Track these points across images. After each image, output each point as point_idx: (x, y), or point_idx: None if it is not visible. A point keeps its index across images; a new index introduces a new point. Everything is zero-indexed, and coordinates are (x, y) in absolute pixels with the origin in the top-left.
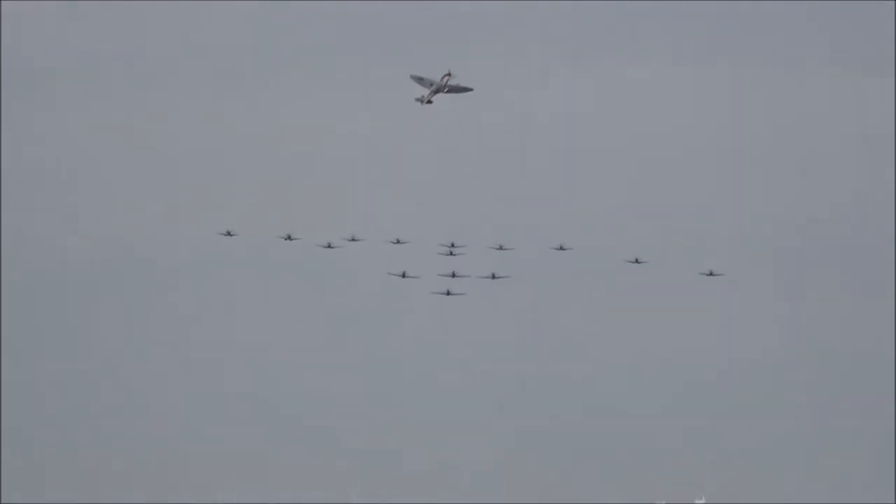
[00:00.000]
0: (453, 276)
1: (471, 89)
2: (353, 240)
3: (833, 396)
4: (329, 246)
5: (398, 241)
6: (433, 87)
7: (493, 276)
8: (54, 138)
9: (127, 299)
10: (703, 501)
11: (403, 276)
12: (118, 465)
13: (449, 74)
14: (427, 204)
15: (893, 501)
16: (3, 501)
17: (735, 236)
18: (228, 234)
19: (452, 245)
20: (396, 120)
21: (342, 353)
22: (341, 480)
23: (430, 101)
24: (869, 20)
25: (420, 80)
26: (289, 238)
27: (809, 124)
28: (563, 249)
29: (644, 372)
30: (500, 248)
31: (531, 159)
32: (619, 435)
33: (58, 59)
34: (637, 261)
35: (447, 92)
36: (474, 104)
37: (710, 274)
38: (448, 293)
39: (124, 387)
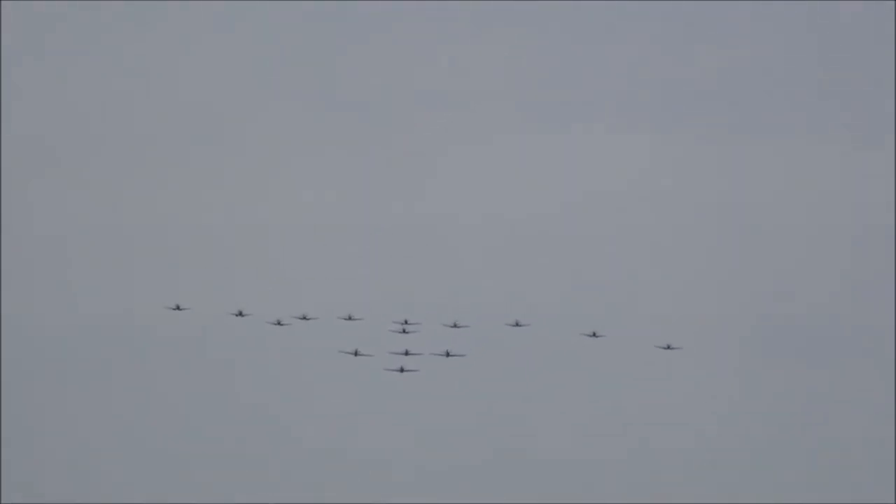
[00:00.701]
0: (406, 353)
1: None
2: (305, 318)
3: (796, 473)
4: (279, 323)
5: (350, 318)
6: None
7: (448, 354)
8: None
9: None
10: None
11: (356, 353)
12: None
13: None
14: (379, 280)
15: None
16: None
17: (693, 310)
18: (178, 307)
19: (406, 322)
20: (347, 194)
21: (290, 432)
22: None
23: None
24: (862, 90)
25: None
26: (240, 314)
27: (774, 195)
28: (519, 325)
29: (603, 448)
30: (455, 325)
31: (484, 234)
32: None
33: None
34: (594, 334)
35: None
36: (427, 180)
37: (668, 347)
38: (402, 370)
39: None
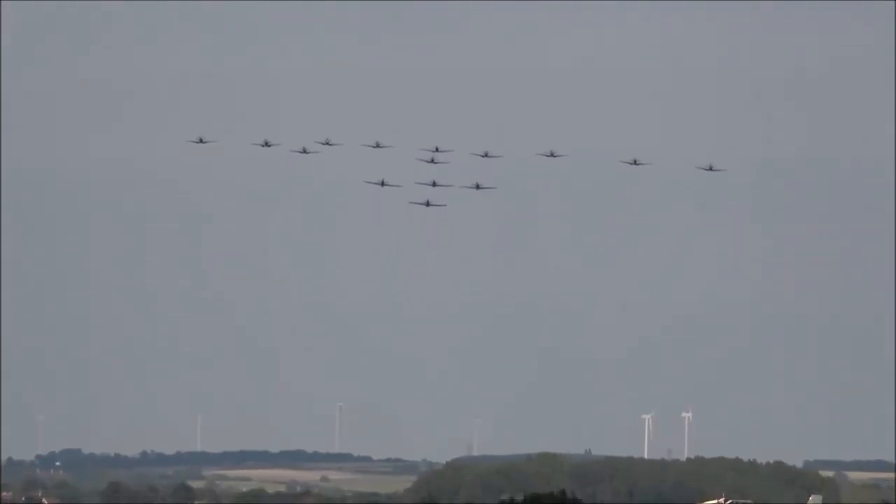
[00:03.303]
0: (434, 185)
1: None
2: (328, 143)
3: (822, 304)
4: (304, 151)
5: (378, 145)
6: None
7: (478, 187)
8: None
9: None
10: (689, 415)
11: (382, 184)
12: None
13: None
14: (409, 106)
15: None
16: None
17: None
18: (201, 141)
19: (436, 150)
20: (377, 33)
21: (311, 269)
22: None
23: None
24: None
25: None
26: (266, 144)
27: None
28: (555, 156)
29: (639, 286)
30: (486, 154)
31: (519, 64)
32: (608, 348)
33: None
34: (636, 162)
35: None
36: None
37: (710, 169)
38: (428, 203)
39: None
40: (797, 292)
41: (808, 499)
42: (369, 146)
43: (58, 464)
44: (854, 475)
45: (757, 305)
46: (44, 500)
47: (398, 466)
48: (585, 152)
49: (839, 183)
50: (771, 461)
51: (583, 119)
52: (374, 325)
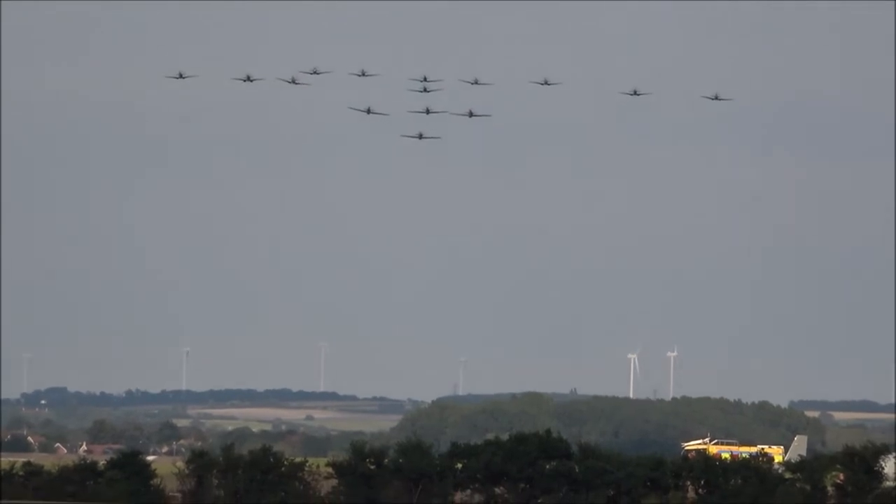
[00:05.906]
0: (427, 112)
1: None
2: (315, 73)
3: (811, 244)
4: (293, 81)
5: (363, 74)
6: None
7: (471, 114)
8: None
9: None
10: (674, 354)
11: (368, 111)
12: None
13: None
14: (397, 33)
15: None
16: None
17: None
18: (181, 76)
19: (425, 79)
20: None
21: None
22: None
23: None
24: None
25: None
26: (248, 79)
27: None
28: (549, 84)
29: (630, 221)
30: (476, 82)
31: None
32: (595, 286)
33: None
34: (636, 93)
35: None
36: None
37: (716, 98)
38: (420, 136)
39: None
40: (786, 232)
41: (793, 439)
42: (355, 75)
43: (43, 402)
44: (839, 415)
45: (745, 245)
46: (29, 439)
47: (383, 405)
48: (582, 80)
49: (836, 120)
50: (756, 401)
51: (581, 46)
52: (360, 264)
